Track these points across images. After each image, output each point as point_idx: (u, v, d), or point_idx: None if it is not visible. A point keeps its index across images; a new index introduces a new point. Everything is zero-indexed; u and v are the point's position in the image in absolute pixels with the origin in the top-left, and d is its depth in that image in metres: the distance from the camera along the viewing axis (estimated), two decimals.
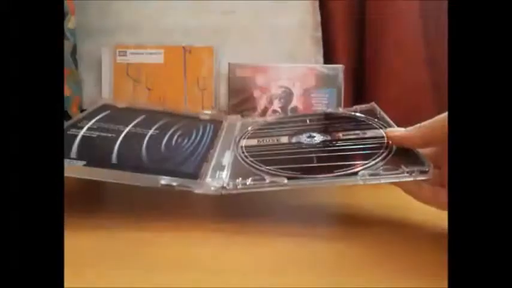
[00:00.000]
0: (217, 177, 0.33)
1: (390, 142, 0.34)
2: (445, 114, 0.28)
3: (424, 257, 0.27)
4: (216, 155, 0.37)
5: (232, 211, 0.35)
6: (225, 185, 0.32)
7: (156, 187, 0.32)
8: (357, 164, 0.32)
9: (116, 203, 0.39)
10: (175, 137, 0.40)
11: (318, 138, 0.38)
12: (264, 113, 0.56)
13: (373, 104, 0.42)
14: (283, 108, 0.56)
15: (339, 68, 0.56)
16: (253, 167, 0.34)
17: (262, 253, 0.28)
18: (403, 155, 0.31)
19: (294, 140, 0.38)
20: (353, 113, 0.42)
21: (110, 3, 0.63)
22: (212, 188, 0.32)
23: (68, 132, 0.36)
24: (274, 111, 0.56)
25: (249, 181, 0.32)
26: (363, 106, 0.42)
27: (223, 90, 0.61)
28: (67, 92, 0.58)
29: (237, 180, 0.32)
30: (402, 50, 0.59)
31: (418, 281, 0.24)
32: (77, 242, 0.28)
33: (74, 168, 0.31)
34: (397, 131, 0.33)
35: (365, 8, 0.62)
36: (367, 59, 0.62)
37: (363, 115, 0.41)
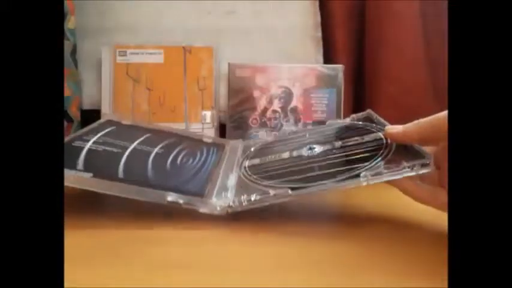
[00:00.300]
0: (223, 197, 0.33)
1: (389, 141, 0.34)
2: (444, 113, 0.28)
3: (424, 257, 0.27)
4: (220, 177, 0.37)
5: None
6: (230, 203, 0.32)
7: (162, 203, 0.32)
8: (358, 166, 0.32)
9: (116, 202, 0.39)
10: (180, 156, 0.40)
11: (318, 149, 0.38)
12: (263, 113, 0.56)
13: (369, 110, 0.42)
14: (283, 108, 0.56)
15: (339, 68, 0.56)
16: (256, 183, 0.35)
17: (262, 252, 0.28)
18: (403, 152, 0.32)
19: (295, 153, 0.39)
20: (350, 122, 0.43)
21: (110, 3, 0.63)
22: (218, 208, 0.32)
23: (73, 144, 0.37)
24: (274, 111, 0.56)
25: (253, 197, 0.32)
26: (360, 114, 0.43)
27: (223, 90, 0.61)
28: (67, 92, 0.58)
29: (242, 198, 0.32)
30: (402, 50, 0.59)
31: (418, 281, 0.24)
32: (77, 242, 0.28)
33: (81, 179, 0.32)
34: (394, 128, 0.33)
35: (365, 8, 0.62)
36: (367, 59, 0.62)
37: (360, 122, 0.41)
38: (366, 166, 0.31)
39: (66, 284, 0.20)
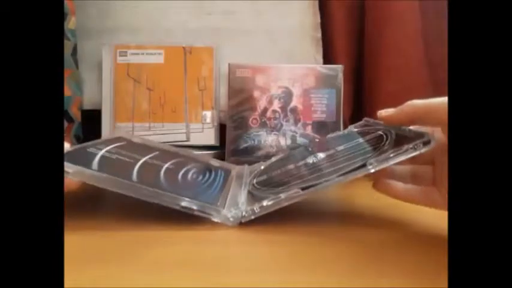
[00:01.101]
0: (235, 209, 0.33)
1: (389, 135, 0.34)
2: (440, 98, 0.28)
3: (424, 257, 0.27)
4: (230, 195, 0.37)
5: None
6: (243, 213, 0.32)
7: (175, 208, 0.32)
8: (363, 158, 0.32)
9: (116, 202, 0.39)
10: (190, 173, 0.41)
11: (322, 155, 0.38)
12: (263, 113, 0.56)
13: (365, 118, 0.43)
14: (283, 109, 0.56)
15: (339, 68, 0.56)
16: (267, 192, 0.35)
17: (262, 252, 0.28)
18: (402, 138, 0.32)
19: (300, 163, 0.39)
20: (349, 130, 0.43)
21: (111, 4, 0.63)
22: (231, 219, 0.32)
23: (88, 149, 0.37)
24: (274, 112, 0.56)
25: (265, 202, 0.32)
26: (357, 124, 0.43)
27: (223, 90, 0.61)
28: (67, 92, 0.59)
29: (254, 206, 0.32)
30: (402, 50, 0.59)
31: (418, 281, 0.24)
32: (77, 242, 0.28)
33: (97, 176, 0.31)
34: (387, 111, 0.34)
35: (364, 8, 0.62)
36: (366, 59, 0.62)
37: (359, 128, 0.42)
38: (370, 156, 0.32)
39: (66, 284, 0.21)
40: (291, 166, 0.40)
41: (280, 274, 0.24)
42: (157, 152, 0.43)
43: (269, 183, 0.38)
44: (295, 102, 0.56)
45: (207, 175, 0.42)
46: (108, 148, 0.39)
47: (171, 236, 0.30)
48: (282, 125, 0.56)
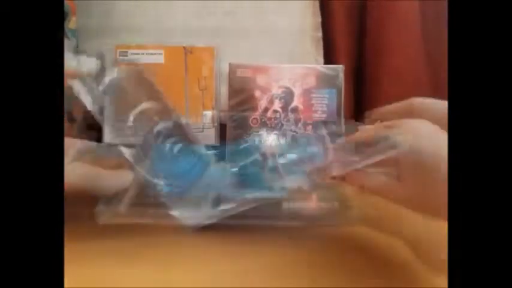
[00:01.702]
0: (197, 211, 0.33)
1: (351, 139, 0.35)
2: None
3: (423, 257, 0.27)
4: (198, 192, 0.37)
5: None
6: (204, 215, 0.32)
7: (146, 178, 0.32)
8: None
9: (115, 201, 0.39)
10: (177, 147, 0.40)
11: (290, 157, 0.39)
12: (264, 113, 0.56)
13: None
14: (284, 108, 0.56)
15: (339, 68, 0.56)
16: (229, 195, 0.35)
17: (263, 251, 0.28)
18: (367, 141, 0.32)
19: (266, 167, 0.40)
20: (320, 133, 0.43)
21: (111, 4, 0.63)
22: (190, 220, 0.32)
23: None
24: (275, 112, 0.56)
25: (224, 206, 0.32)
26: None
27: (223, 90, 0.61)
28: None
29: (216, 209, 0.32)
30: (402, 50, 0.59)
31: (418, 281, 0.24)
32: (77, 242, 0.28)
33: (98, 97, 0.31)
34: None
35: (365, 8, 0.62)
36: (367, 59, 0.62)
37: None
38: (334, 160, 0.32)
39: (66, 284, 0.21)
40: (257, 170, 0.40)
41: (276, 275, 0.24)
42: (161, 105, 0.43)
43: (236, 186, 0.37)
44: (296, 102, 0.56)
45: (190, 158, 0.41)
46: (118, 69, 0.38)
47: (171, 236, 0.30)
48: (282, 125, 0.56)
